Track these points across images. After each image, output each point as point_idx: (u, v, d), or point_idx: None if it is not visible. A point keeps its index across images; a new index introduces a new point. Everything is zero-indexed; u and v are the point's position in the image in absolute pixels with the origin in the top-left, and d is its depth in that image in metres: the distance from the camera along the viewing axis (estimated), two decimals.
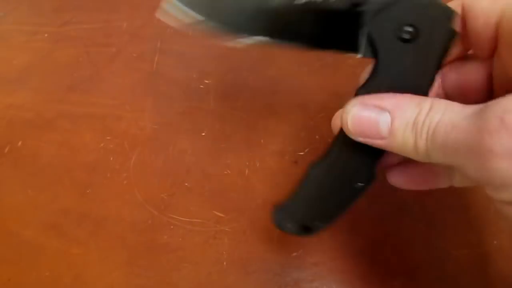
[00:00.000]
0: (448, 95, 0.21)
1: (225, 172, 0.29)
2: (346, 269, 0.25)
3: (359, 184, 0.20)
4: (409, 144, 0.16)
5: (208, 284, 0.25)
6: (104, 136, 0.31)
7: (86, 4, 0.41)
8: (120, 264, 0.25)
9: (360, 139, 0.18)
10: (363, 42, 0.18)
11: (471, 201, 0.27)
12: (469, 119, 0.14)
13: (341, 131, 0.19)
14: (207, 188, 0.28)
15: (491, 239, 0.26)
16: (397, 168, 0.22)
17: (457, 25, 0.17)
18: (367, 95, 0.18)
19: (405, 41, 0.17)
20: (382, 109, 0.17)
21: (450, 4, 0.17)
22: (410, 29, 0.17)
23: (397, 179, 0.22)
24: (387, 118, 0.16)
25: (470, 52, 0.20)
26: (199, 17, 0.19)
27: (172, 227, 0.27)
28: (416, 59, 0.17)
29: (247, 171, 0.29)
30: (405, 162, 0.21)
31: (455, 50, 0.19)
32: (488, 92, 0.20)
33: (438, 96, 0.21)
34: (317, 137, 0.30)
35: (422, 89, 0.17)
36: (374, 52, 0.18)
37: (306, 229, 0.21)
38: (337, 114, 0.21)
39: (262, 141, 0.30)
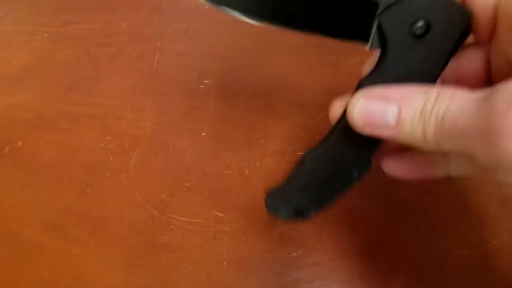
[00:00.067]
0: (445, 83, 0.21)
1: (225, 172, 0.29)
2: (346, 269, 0.25)
3: (355, 172, 0.20)
4: (417, 133, 0.16)
5: (208, 284, 0.25)
6: (104, 136, 0.31)
7: (86, 4, 0.41)
8: (120, 264, 0.25)
9: (367, 131, 0.18)
10: (373, 33, 0.18)
11: (471, 201, 0.27)
12: (477, 103, 0.14)
13: (339, 120, 0.20)
14: (207, 188, 0.28)
15: (491, 239, 0.26)
16: (392, 157, 0.22)
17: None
18: (373, 87, 0.18)
19: (416, 36, 0.17)
20: (389, 100, 0.17)
21: None
22: (422, 25, 0.17)
23: (392, 167, 0.22)
24: (394, 109, 0.16)
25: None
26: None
27: (172, 227, 0.27)
28: (425, 55, 0.17)
29: (247, 171, 0.29)
30: (401, 150, 0.21)
31: None
32: (485, 79, 0.20)
33: None
34: (317, 137, 0.30)
35: (428, 84, 0.17)
36: (382, 43, 0.18)
37: (298, 214, 0.21)
38: (335, 104, 0.21)
39: (262, 141, 0.30)
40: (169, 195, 0.28)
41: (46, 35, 0.38)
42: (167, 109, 0.32)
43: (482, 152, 0.14)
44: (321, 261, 0.25)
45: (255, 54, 0.35)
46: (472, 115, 0.14)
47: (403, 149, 0.21)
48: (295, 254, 0.25)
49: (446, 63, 0.18)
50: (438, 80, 0.18)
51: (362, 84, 0.18)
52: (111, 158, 0.30)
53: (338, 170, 0.21)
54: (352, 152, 0.20)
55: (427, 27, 0.17)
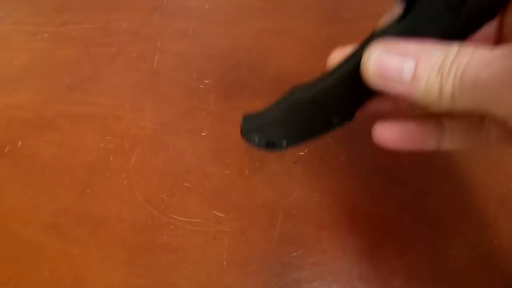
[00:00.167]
0: None
1: (225, 172, 0.29)
2: (346, 269, 0.25)
3: (336, 119, 0.20)
4: (433, 90, 0.16)
5: (208, 284, 0.25)
6: (104, 136, 0.31)
7: (86, 4, 0.41)
8: (120, 264, 0.25)
9: (380, 84, 0.17)
10: None
11: (471, 201, 0.27)
12: (504, 56, 0.14)
13: (337, 67, 0.19)
14: (207, 188, 0.28)
15: (491, 239, 0.26)
16: (385, 124, 0.21)
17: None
18: (390, 39, 0.17)
19: (451, 6, 0.17)
20: (407, 54, 0.16)
21: None
22: None
23: (384, 135, 0.21)
24: (411, 63, 0.16)
25: None
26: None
27: (172, 227, 0.27)
28: (454, 25, 0.17)
29: (247, 171, 0.29)
30: (394, 118, 0.21)
31: None
32: (496, 42, 0.19)
33: None
34: None
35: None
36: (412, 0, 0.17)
37: (270, 145, 0.21)
38: (335, 52, 0.22)
39: None
40: (169, 195, 0.28)
41: (46, 35, 0.38)
42: (167, 109, 0.32)
43: (505, 106, 0.14)
44: (321, 261, 0.25)
45: (255, 54, 0.35)
46: (499, 66, 0.14)
47: (396, 116, 0.21)
48: (295, 254, 0.25)
49: (472, 32, 0.17)
50: None
51: (377, 35, 0.18)
52: (111, 158, 0.30)
53: (319, 114, 0.20)
54: (339, 100, 0.20)
55: (463, 0, 0.16)
